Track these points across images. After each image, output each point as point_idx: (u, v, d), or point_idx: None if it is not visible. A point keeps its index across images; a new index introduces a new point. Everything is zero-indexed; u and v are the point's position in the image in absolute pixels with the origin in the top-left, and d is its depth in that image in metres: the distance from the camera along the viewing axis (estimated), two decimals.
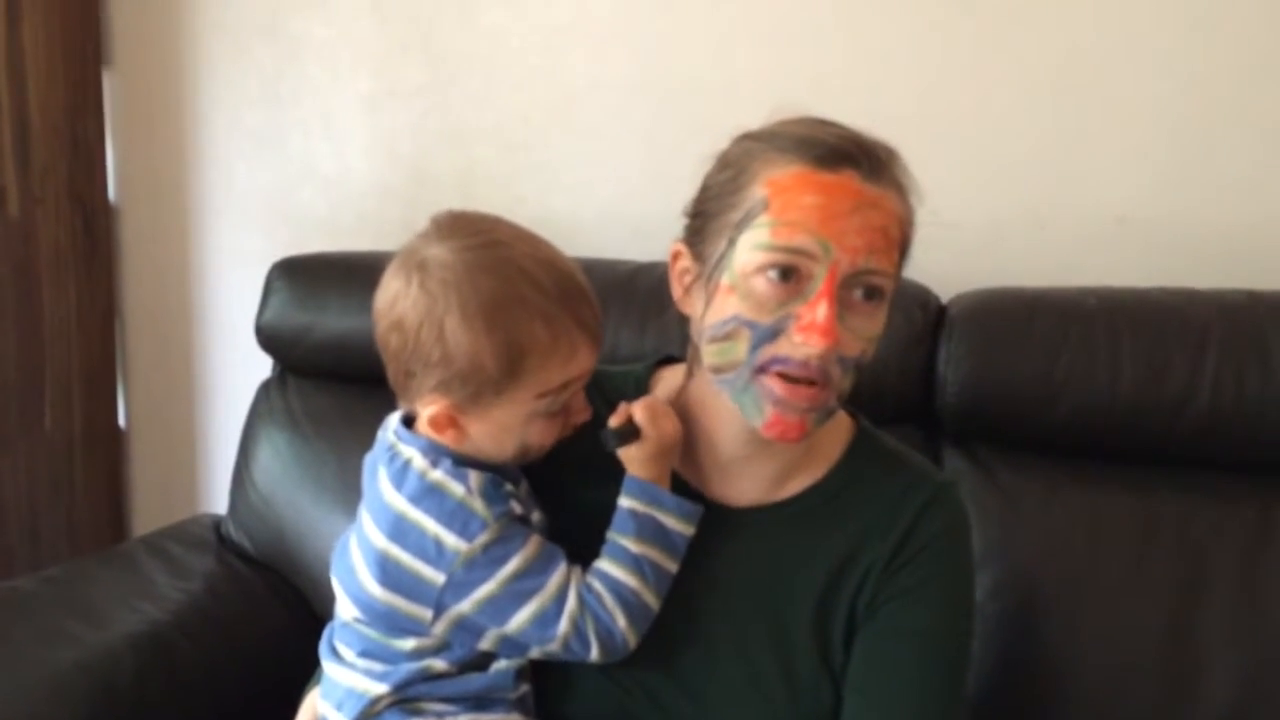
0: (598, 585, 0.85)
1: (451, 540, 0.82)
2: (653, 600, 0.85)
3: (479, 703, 0.87)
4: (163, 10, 1.84)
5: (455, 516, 0.83)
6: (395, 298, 0.83)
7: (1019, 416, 1.26)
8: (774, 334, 0.80)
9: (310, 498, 1.48)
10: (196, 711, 1.27)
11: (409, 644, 0.86)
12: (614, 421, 0.88)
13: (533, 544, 0.84)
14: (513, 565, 0.83)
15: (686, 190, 0.89)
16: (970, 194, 1.47)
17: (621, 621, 0.84)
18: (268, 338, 1.56)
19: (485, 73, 1.69)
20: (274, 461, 1.53)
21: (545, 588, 0.83)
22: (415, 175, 1.75)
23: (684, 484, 0.92)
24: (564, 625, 0.83)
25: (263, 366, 1.64)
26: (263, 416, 1.57)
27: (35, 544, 1.82)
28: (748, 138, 0.85)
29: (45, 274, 1.80)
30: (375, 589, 0.85)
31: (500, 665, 0.88)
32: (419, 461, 0.86)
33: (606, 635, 0.84)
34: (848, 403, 0.92)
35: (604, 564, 0.86)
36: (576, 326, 0.83)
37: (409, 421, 0.90)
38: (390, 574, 0.85)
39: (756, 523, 0.91)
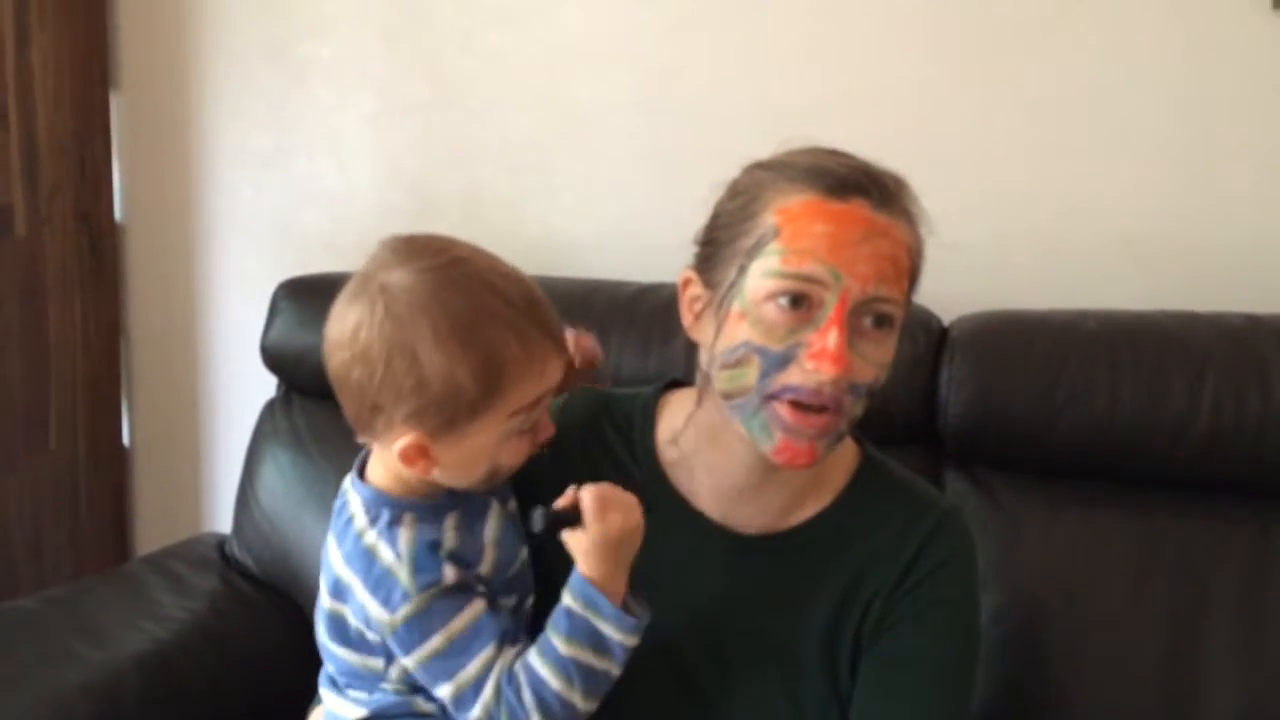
0: (521, 679, 0.80)
1: (375, 609, 0.81)
2: (580, 701, 0.81)
3: None
4: (170, 33, 1.86)
5: (380, 585, 0.81)
6: (356, 327, 0.79)
7: (1020, 438, 1.26)
8: (784, 361, 0.80)
9: (314, 517, 1.47)
10: None
11: (387, 685, 0.86)
12: (560, 503, 0.83)
13: (460, 620, 0.81)
14: (435, 642, 0.80)
15: (690, 211, 0.89)
16: (972, 216, 1.47)
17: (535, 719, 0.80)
18: (272, 357, 1.57)
19: (489, 94, 1.70)
20: (278, 481, 1.53)
21: (464, 670, 0.80)
22: (419, 196, 1.76)
23: (691, 510, 0.93)
24: (477, 712, 0.80)
25: (267, 386, 1.65)
26: (267, 436, 1.57)
27: (39, 562, 1.82)
28: (758, 167, 0.86)
29: (51, 293, 1.81)
30: (331, 644, 0.85)
31: None
32: (359, 520, 0.84)
33: None
34: (853, 428, 0.93)
35: (532, 657, 0.81)
36: (545, 338, 0.82)
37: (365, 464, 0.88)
38: (339, 631, 0.84)
39: (764, 551, 0.92)
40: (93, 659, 1.25)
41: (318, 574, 1.41)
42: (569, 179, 1.68)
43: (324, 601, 0.85)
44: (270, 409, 1.60)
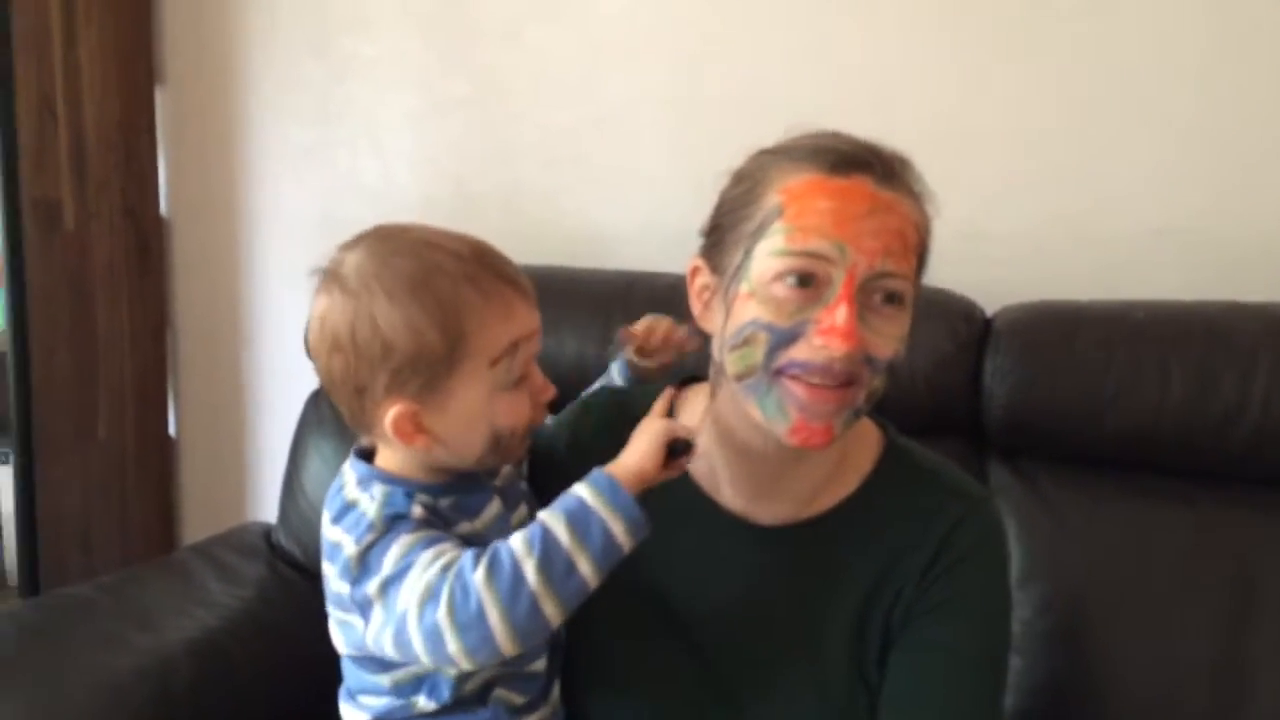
0: (480, 551, 0.77)
1: (349, 547, 0.81)
2: (531, 575, 0.74)
3: None
4: (215, 29, 1.88)
5: (355, 524, 0.81)
6: (322, 316, 0.82)
7: (1065, 430, 1.25)
8: (792, 337, 0.80)
9: None
10: (251, 717, 1.28)
11: (384, 679, 0.85)
12: None
13: (419, 533, 0.80)
14: (394, 552, 0.78)
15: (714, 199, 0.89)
16: (1012, 207, 1.46)
17: (479, 573, 0.74)
18: None
19: (528, 89, 1.71)
20: (323, 470, 1.55)
21: (419, 560, 0.78)
22: (459, 189, 1.77)
23: (712, 504, 0.92)
24: (421, 585, 0.76)
25: (310, 377, 1.65)
26: (311, 427, 1.59)
27: (88, 550, 1.86)
28: (762, 153, 0.86)
29: (99, 287, 1.84)
30: (330, 609, 0.85)
31: (499, 694, 0.87)
32: (349, 485, 0.85)
33: (461, 592, 0.74)
34: (878, 414, 0.92)
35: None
36: (501, 281, 0.82)
37: (368, 453, 0.88)
38: (329, 594, 0.84)
39: (788, 541, 0.91)
40: (145, 645, 1.27)
41: None
42: (607, 172, 1.69)
43: (323, 566, 0.85)
44: (314, 400, 1.62)
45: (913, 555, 0.88)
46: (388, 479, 0.84)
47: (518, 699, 0.88)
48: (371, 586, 0.79)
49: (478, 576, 0.75)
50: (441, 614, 0.75)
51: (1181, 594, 1.20)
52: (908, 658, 0.88)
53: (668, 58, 1.63)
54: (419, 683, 0.84)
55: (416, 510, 0.81)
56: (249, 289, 1.94)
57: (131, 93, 1.86)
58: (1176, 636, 1.19)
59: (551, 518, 0.78)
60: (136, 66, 1.87)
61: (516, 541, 0.77)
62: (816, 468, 0.90)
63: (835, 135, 0.84)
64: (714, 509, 0.92)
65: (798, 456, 0.87)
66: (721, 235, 0.85)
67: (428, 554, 0.78)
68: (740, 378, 0.83)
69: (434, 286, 0.79)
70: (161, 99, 1.93)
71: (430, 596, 0.76)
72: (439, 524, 0.82)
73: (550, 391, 0.87)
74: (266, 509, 1.91)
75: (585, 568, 0.76)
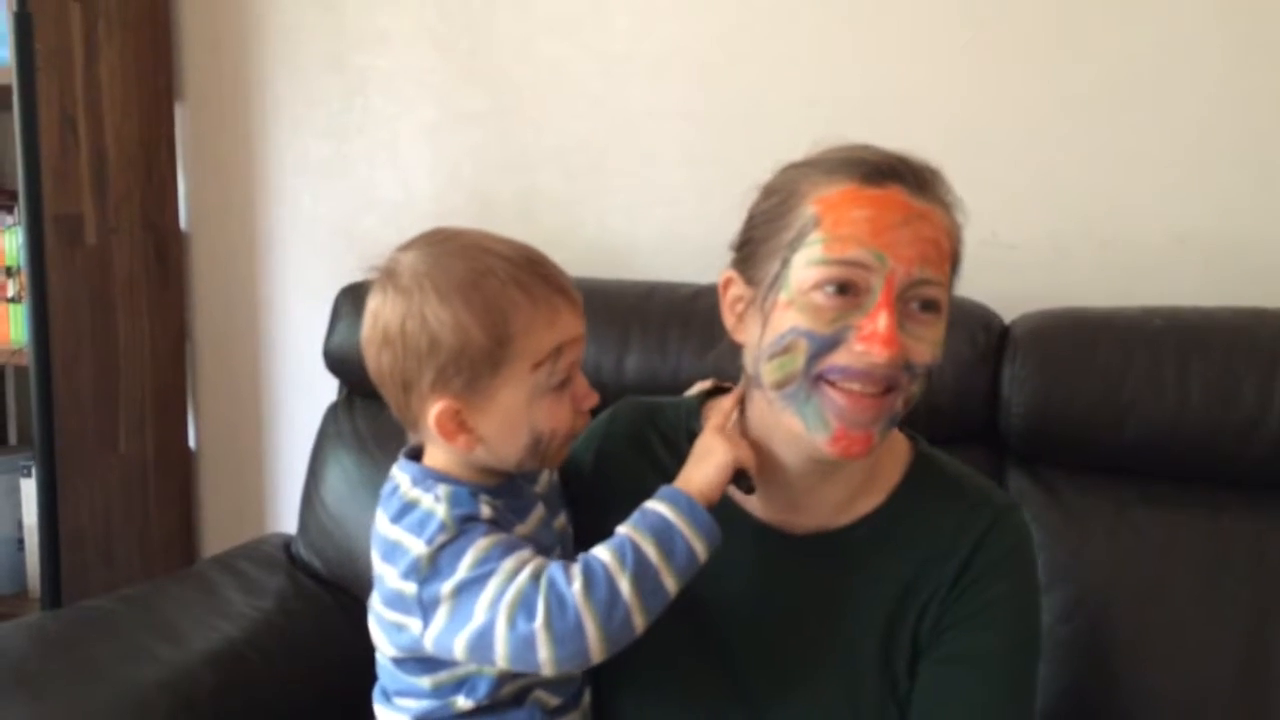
0: (569, 564, 0.80)
1: (416, 546, 0.81)
2: (626, 589, 0.78)
3: None
4: (232, 45, 1.90)
5: (421, 524, 0.82)
6: (375, 313, 0.85)
7: (1085, 438, 1.25)
8: (833, 344, 0.80)
9: None
10: None
11: (425, 681, 0.86)
12: None
13: (494, 536, 0.81)
14: (470, 555, 0.80)
15: (744, 212, 0.89)
16: (1030, 215, 1.46)
17: (576, 586, 0.78)
18: (335, 361, 1.60)
19: (545, 100, 1.72)
20: (342, 482, 1.56)
21: (502, 568, 0.79)
22: (477, 201, 1.78)
23: (741, 513, 0.92)
24: (511, 593, 0.78)
25: (329, 389, 1.68)
26: (331, 438, 1.60)
27: (110, 562, 1.87)
28: (791, 167, 0.87)
29: (120, 300, 1.86)
30: (381, 609, 0.86)
31: (536, 696, 0.87)
32: (404, 485, 0.86)
33: (557, 603, 0.77)
34: (907, 426, 0.92)
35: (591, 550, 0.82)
36: (549, 288, 0.84)
37: (415, 454, 0.90)
38: (385, 593, 0.84)
39: (818, 550, 0.91)
40: (167, 656, 1.28)
41: None
42: (624, 182, 1.69)
43: (375, 567, 0.86)
44: (333, 412, 1.63)
45: (942, 565, 0.88)
46: (445, 479, 0.85)
47: (553, 701, 0.89)
48: (445, 588, 0.80)
49: (575, 590, 0.78)
50: (538, 625, 0.77)
51: (1203, 600, 1.19)
52: (939, 668, 0.88)
53: (684, 69, 1.64)
54: (459, 684, 0.86)
55: (485, 510, 0.83)
56: (268, 301, 1.95)
57: (151, 108, 1.88)
58: (1199, 643, 1.18)
59: (637, 534, 0.80)
60: (156, 83, 1.89)
61: (606, 556, 0.80)
62: (847, 480, 0.90)
63: (865, 147, 0.85)
64: (744, 518, 0.92)
65: (830, 470, 0.88)
66: (755, 248, 0.86)
67: (509, 561, 0.80)
68: (779, 386, 0.83)
69: (483, 288, 0.81)
70: (181, 114, 1.95)
71: (522, 606, 0.78)
72: (506, 525, 0.84)
73: (593, 399, 0.88)
74: (287, 521, 1.92)
75: (669, 582, 0.80)
